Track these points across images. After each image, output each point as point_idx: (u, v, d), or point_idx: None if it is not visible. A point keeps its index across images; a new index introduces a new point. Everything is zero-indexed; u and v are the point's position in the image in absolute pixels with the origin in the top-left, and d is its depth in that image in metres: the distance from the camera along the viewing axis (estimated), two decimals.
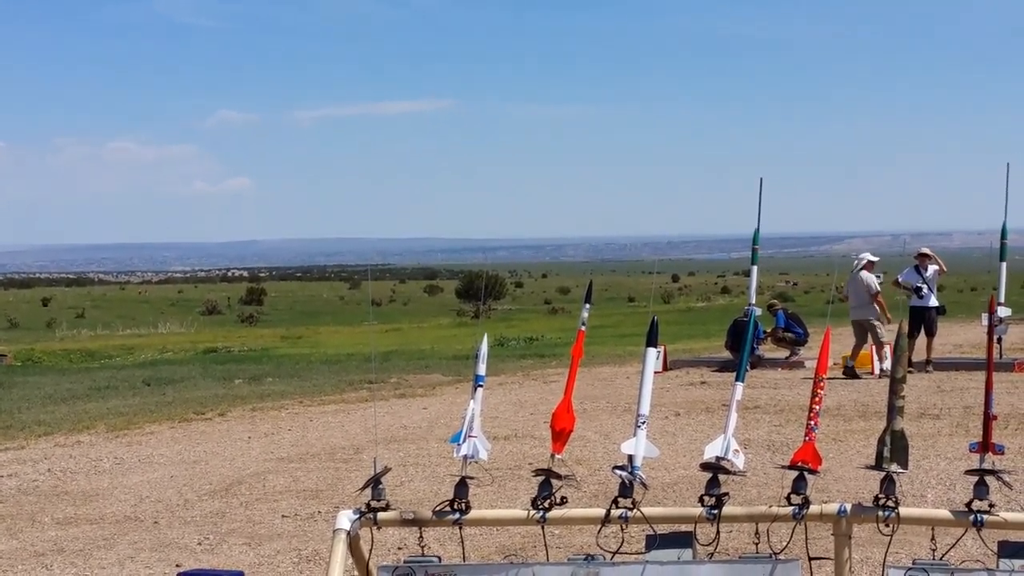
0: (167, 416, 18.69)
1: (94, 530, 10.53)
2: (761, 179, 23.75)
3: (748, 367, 7.35)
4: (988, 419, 5.90)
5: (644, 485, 5.94)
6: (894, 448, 5.77)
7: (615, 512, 5.81)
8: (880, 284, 22.52)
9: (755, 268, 24.30)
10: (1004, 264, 22.20)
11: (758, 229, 23.98)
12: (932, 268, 22.76)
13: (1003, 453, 5.81)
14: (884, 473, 5.72)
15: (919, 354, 22.19)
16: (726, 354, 25.42)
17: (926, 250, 23.22)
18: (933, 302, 22.66)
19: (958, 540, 5.80)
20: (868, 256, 22.96)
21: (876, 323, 22.05)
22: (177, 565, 8.87)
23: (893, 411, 5.86)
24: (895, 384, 5.94)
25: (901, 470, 5.76)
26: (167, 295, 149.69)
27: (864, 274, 22.24)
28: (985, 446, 5.79)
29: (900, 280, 22.88)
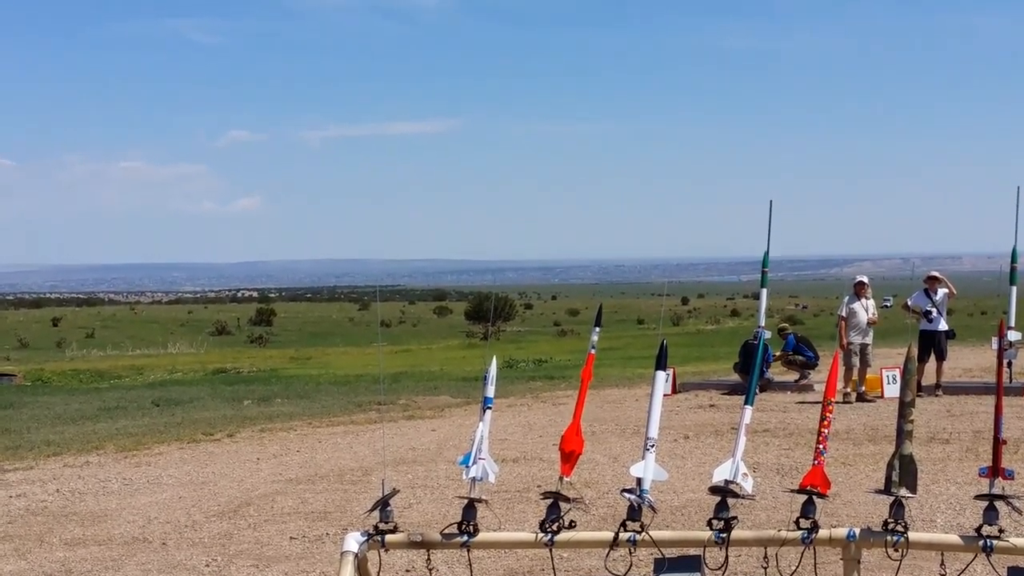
0: (176, 437, 18.68)
1: (102, 551, 10.51)
2: (771, 201, 23.81)
3: (757, 390, 7.35)
4: (998, 444, 5.88)
5: (653, 508, 5.93)
6: (903, 472, 5.76)
7: (623, 535, 5.80)
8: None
9: (764, 291, 24.26)
10: (1014, 288, 22.12)
11: (768, 252, 23.96)
12: (942, 291, 22.73)
13: (1013, 478, 5.80)
14: (893, 498, 5.71)
15: (929, 378, 22.14)
16: (735, 377, 25.38)
17: (936, 273, 23.18)
18: (943, 326, 22.62)
19: (968, 565, 5.79)
20: (858, 277, 23.11)
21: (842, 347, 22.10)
22: None
23: (902, 435, 5.86)
24: (903, 408, 5.94)
25: (910, 495, 5.75)
26: (177, 316, 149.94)
27: (846, 299, 22.40)
28: (995, 471, 5.78)
29: (909, 303, 22.84)
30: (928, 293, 22.75)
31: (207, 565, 9.84)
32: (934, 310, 22.48)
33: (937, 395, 21.66)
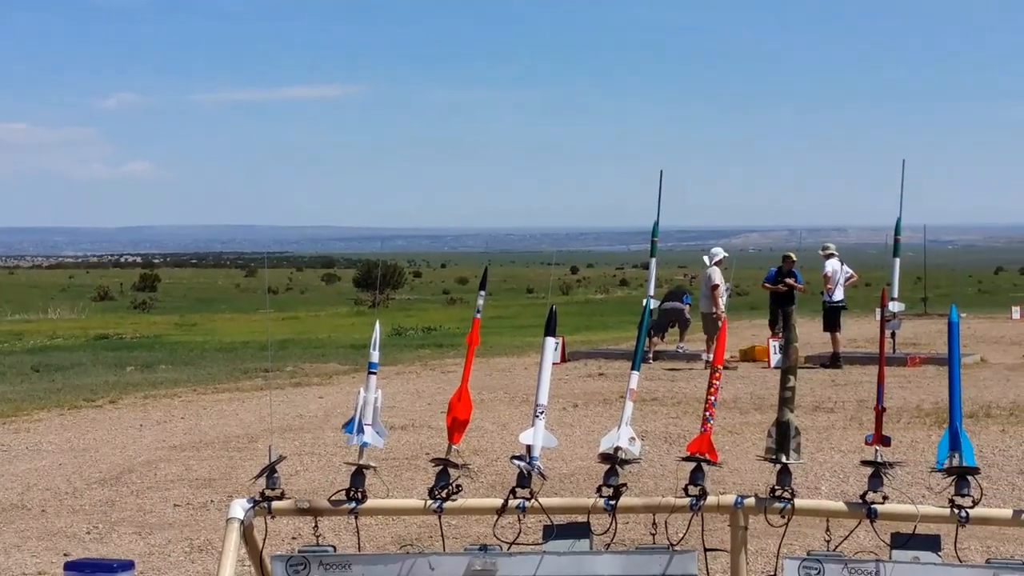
0: (56, 403, 18.32)
1: None
2: (662, 172, 23.91)
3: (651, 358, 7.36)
4: (879, 412, 5.97)
5: (542, 475, 5.91)
6: (780, 439, 5.82)
7: (513, 502, 5.78)
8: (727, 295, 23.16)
9: (654, 260, 24.46)
10: (898, 260, 22.59)
11: (657, 222, 24.13)
12: (831, 266, 23.41)
13: (889, 445, 5.87)
14: (780, 465, 5.76)
15: (816, 349, 22.79)
16: (624, 345, 25.64)
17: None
18: (838, 297, 23.32)
19: (852, 531, 5.87)
20: (721, 252, 23.83)
21: (709, 315, 22.81)
22: (65, 554, 8.66)
23: (782, 403, 5.92)
24: (783, 376, 6.00)
25: (798, 460, 5.81)
26: (58, 280, 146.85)
27: (712, 269, 23.02)
28: (879, 439, 5.86)
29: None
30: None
31: (88, 532, 9.66)
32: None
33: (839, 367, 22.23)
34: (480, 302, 6.48)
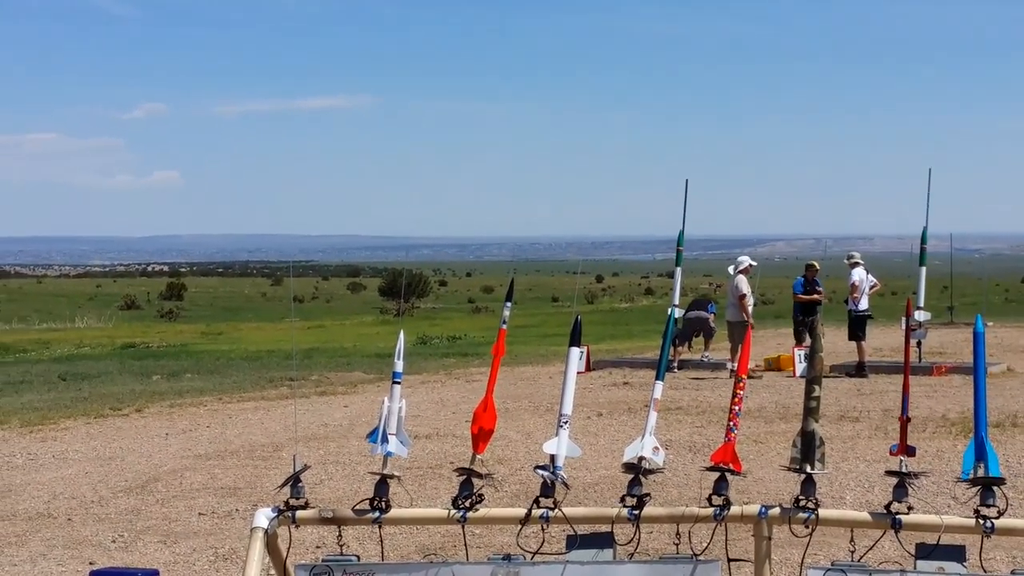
0: (83, 412, 18.41)
1: (5, 527, 10.32)
2: (687, 180, 23.89)
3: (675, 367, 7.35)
4: (904, 422, 5.95)
5: (566, 485, 5.91)
6: (805, 449, 5.80)
7: (536, 512, 5.78)
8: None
9: (679, 269, 24.40)
10: (924, 269, 22.49)
11: (683, 231, 24.08)
12: (858, 275, 23.23)
13: (914, 455, 5.85)
14: (804, 475, 5.74)
15: (841, 358, 22.63)
16: (649, 354, 25.55)
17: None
18: (863, 306, 23.15)
19: (876, 542, 5.84)
20: (748, 260, 23.51)
21: (736, 324, 22.53)
22: (91, 563, 8.71)
23: (807, 412, 5.90)
24: (808, 385, 5.99)
25: (822, 470, 5.79)
26: (85, 289, 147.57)
27: (738, 277, 22.78)
28: (904, 449, 5.84)
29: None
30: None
31: (113, 541, 9.69)
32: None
33: (865, 376, 22.06)
34: (506, 313, 6.49)
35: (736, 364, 21.72)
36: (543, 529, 5.80)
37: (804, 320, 23.67)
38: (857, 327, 23.01)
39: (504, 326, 6.40)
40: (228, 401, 19.82)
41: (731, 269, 23.46)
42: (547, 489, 5.84)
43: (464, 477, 5.96)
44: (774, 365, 23.88)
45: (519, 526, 5.86)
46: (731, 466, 5.79)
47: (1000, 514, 5.51)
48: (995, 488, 5.56)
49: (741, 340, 22.10)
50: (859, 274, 23.34)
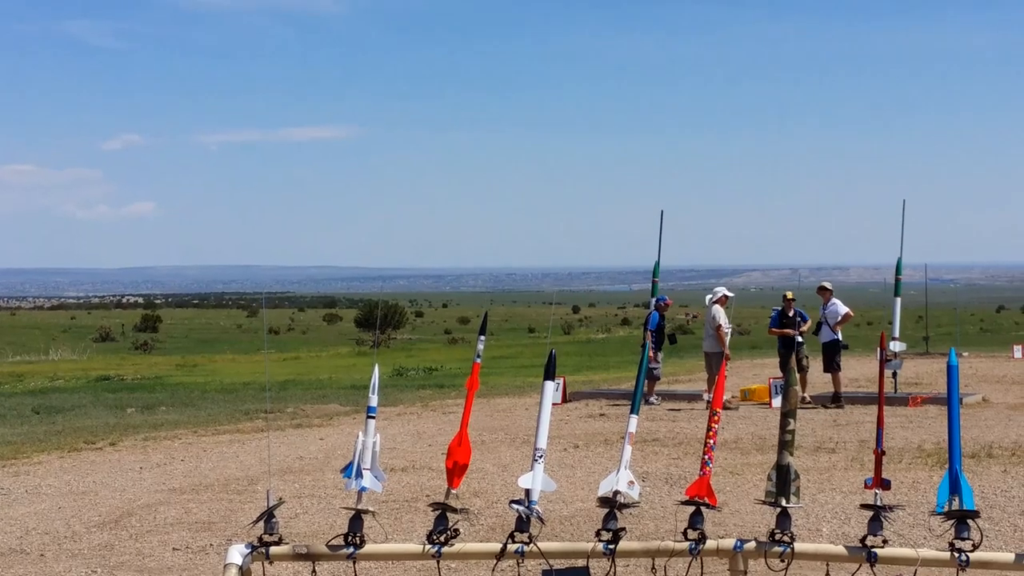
0: (56, 445, 18.27)
1: None
2: (663, 212, 24.14)
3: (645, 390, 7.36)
4: (879, 455, 5.96)
5: (541, 520, 5.90)
6: (780, 483, 5.80)
7: (511, 547, 5.77)
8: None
9: (655, 300, 24.51)
10: (899, 299, 22.60)
11: (658, 261, 24.24)
12: (831, 307, 23.11)
13: (888, 488, 5.87)
14: (780, 508, 5.75)
15: (818, 389, 22.62)
16: (626, 385, 25.56)
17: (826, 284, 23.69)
18: (828, 337, 23.01)
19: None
20: (723, 291, 23.37)
21: (713, 354, 22.44)
22: None
23: (781, 446, 5.91)
24: (783, 419, 5.99)
25: (797, 504, 5.79)
26: (59, 321, 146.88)
27: (715, 308, 22.66)
28: (878, 482, 5.84)
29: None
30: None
31: None
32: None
33: (840, 406, 21.89)
34: (480, 347, 6.49)
35: (712, 395, 21.78)
36: (519, 564, 5.79)
37: (786, 353, 23.60)
38: (829, 357, 22.95)
39: (478, 360, 6.40)
40: (203, 434, 19.71)
41: (707, 299, 23.45)
42: (522, 524, 5.83)
43: (439, 512, 5.95)
44: (750, 396, 23.91)
45: (495, 561, 5.84)
46: (706, 500, 5.80)
47: (975, 547, 5.53)
48: (970, 521, 5.57)
49: (718, 370, 22.10)
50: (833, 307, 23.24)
